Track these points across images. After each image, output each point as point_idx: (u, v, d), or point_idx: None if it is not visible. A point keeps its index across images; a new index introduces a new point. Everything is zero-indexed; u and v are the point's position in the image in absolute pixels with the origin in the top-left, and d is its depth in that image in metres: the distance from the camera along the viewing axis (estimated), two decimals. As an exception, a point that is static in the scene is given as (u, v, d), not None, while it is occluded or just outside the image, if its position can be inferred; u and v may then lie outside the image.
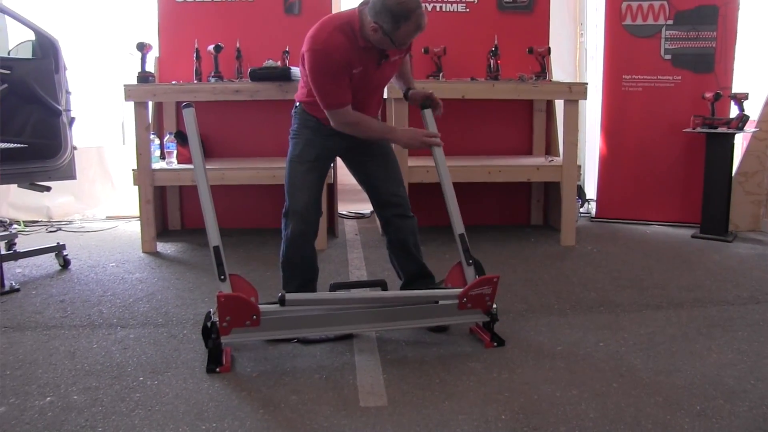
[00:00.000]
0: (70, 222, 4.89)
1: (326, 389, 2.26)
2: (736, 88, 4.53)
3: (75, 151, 3.58)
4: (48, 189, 3.60)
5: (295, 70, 3.91)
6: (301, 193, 2.60)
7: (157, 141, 4.06)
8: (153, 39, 4.29)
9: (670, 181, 4.73)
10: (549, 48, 4.35)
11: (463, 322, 2.68)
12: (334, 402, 2.17)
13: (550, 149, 4.76)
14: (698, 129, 4.35)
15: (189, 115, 2.47)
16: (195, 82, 4.05)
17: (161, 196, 4.50)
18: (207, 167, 3.91)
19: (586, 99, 4.17)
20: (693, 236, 4.44)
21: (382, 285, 2.61)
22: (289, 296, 2.36)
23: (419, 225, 2.85)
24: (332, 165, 3.61)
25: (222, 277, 2.40)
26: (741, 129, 4.23)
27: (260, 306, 2.37)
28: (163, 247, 4.12)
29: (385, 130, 2.77)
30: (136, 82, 3.87)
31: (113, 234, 4.52)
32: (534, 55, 4.32)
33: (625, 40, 4.69)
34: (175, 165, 4.02)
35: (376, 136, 2.67)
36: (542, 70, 4.32)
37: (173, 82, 4.07)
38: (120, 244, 4.22)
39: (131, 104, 3.88)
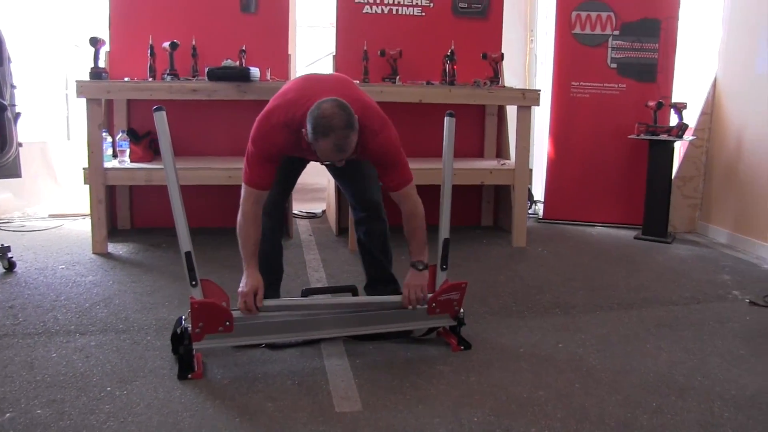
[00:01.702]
0: (10, 221, 4.69)
1: (300, 395, 2.27)
2: (676, 97, 4.77)
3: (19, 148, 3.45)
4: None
5: (254, 71, 3.88)
6: (270, 192, 2.58)
7: (109, 139, 3.94)
8: (101, 32, 4.15)
9: (614, 184, 4.94)
10: (502, 54, 4.46)
11: (432, 327, 2.74)
12: (309, 408, 2.18)
13: (501, 152, 4.88)
14: (642, 136, 4.55)
15: (160, 119, 2.42)
16: (150, 79, 3.95)
17: (110, 195, 4.37)
18: (161, 167, 3.89)
19: (539, 105, 4.30)
20: (636, 237, 4.65)
21: (353, 290, 2.63)
22: (267, 302, 2.37)
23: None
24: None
25: (193, 282, 2.38)
26: (680, 137, 4.46)
27: (233, 311, 2.36)
28: (114, 247, 4.00)
29: (244, 257, 2.48)
30: (88, 78, 3.74)
31: (59, 234, 4.36)
32: (488, 60, 4.41)
33: (574, 48, 4.86)
34: (127, 164, 3.92)
35: (240, 247, 2.49)
36: (495, 75, 4.41)
37: (125, 79, 3.96)
38: (68, 244, 4.08)
39: (77, 99, 3.76)
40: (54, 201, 4.92)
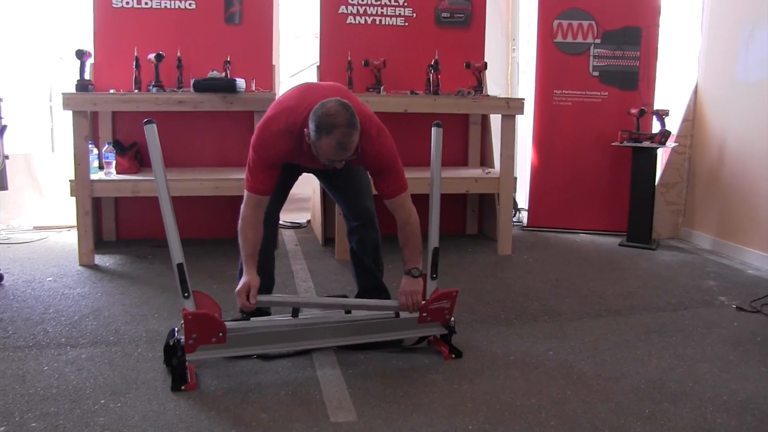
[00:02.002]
0: (-7, 233, 4.64)
1: (294, 405, 2.27)
2: (657, 104, 4.84)
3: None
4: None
5: (240, 82, 3.88)
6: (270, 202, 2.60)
7: (95, 151, 3.92)
8: (86, 44, 4.12)
9: (597, 191, 5.00)
10: (486, 63, 4.50)
11: (423, 335, 2.75)
12: (304, 418, 2.18)
13: (485, 161, 4.92)
14: (625, 143, 4.61)
15: (151, 132, 2.41)
16: (135, 91, 3.94)
17: (95, 207, 4.34)
18: (147, 178, 3.89)
19: (522, 114, 4.35)
20: (620, 244, 4.70)
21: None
22: (261, 297, 2.44)
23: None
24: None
25: (186, 294, 2.37)
26: (663, 144, 4.53)
27: (226, 323, 2.36)
28: (100, 259, 3.98)
29: (245, 259, 2.52)
30: (74, 90, 3.72)
31: (45, 246, 4.32)
32: (471, 69, 4.45)
33: (556, 57, 4.92)
34: (114, 176, 3.90)
35: (240, 249, 2.54)
36: (479, 84, 4.45)
37: (111, 91, 3.95)
38: (54, 256, 4.04)
39: (61, 111, 3.74)
40: (38, 213, 4.87)
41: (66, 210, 4.73)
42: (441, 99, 4.21)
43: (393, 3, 4.61)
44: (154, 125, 2.45)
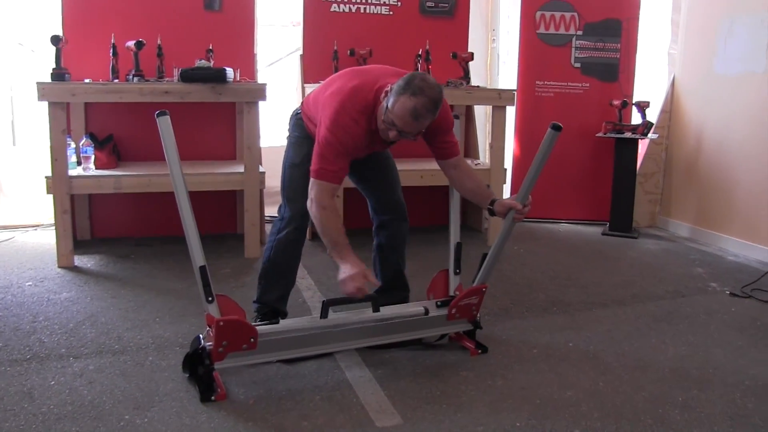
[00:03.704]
0: (-50, 235, 4.30)
1: (334, 411, 2.17)
2: (636, 96, 4.91)
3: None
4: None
5: (230, 71, 3.70)
6: (302, 199, 2.43)
7: (72, 145, 3.67)
8: (51, 30, 3.82)
9: (578, 181, 5.04)
10: (472, 54, 4.45)
11: (451, 332, 2.69)
12: (348, 425, 2.09)
13: (470, 152, 4.88)
14: (609, 134, 4.66)
15: (164, 124, 2.25)
16: (115, 81, 3.71)
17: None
18: (129, 173, 3.67)
19: (513, 105, 4.33)
20: (603, 233, 4.75)
21: (374, 300, 2.52)
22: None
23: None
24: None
25: (210, 298, 2.22)
26: (646, 135, 4.60)
27: (258, 327, 2.23)
28: (80, 260, 3.72)
29: (336, 246, 2.35)
30: (49, 80, 3.46)
31: (13, 247, 4.02)
32: (458, 60, 4.40)
33: (538, 48, 4.92)
34: (93, 171, 3.66)
35: (325, 239, 2.37)
36: (466, 74, 4.41)
37: (87, 81, 3.70)
38: (27, 258, 3.75)
39: (22, 102, 3.48)
40: (0, 212, 4.54)
41: (31, 208, 4.45)
42: (433, 90, 4.13)
43: (378, -9, 4.51)
44: (168, 117, 2.28)
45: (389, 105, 2.24)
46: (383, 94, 2.30)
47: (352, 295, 2.28)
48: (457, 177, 2.59)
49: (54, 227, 3.62)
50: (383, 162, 2.73)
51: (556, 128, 2.35)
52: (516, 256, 4.17)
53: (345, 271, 2.29)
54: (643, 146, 4.92)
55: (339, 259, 2.33)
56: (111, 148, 3.87)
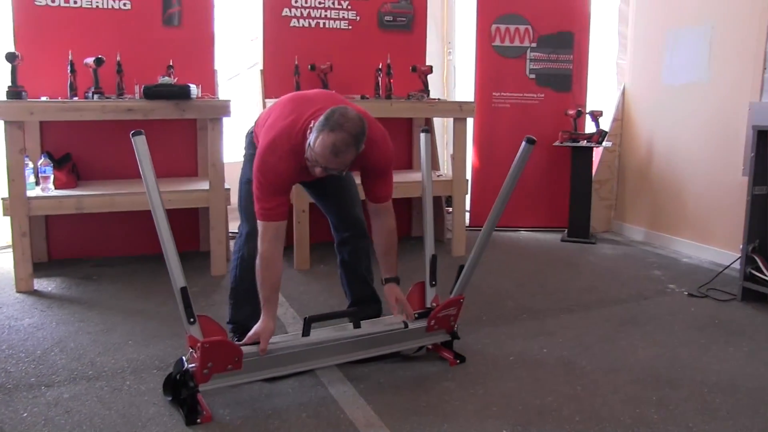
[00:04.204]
0: None
1: (322, 428, 2.16)
2: (589, 106, 5.08)
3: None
4: None
5: (194, 88, 3.66)
6: None
7: (31, 165, 3.55)
8: (2, 47, 3.72)
9: (535, 189, 5.15)
10: (431, 67, 4.52)
11: (430, 343, 2.71)
12: (339, 440, 2.09)
13: (431, 163, 4.93)
14: (565, 143, 4.79)
15: (141, 144, 2.21)
16: (75, 99, 3.61)
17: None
18: (90, 193, 3.58)
19: (473, 117, 4.41)
20: (562, 240, 4.88)
21: (355, 314, 2.54)
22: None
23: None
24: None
25: (191, 319, 2.19)
26: (601, 143, 4.75)
27: (243, 347, 2.21)
28: (39, 284, 3.60)
29: (263, 297, 2.35)
30: (5, 98, 3.35)
31: (-38, 272, 3.86)
32: (418, 73, 4.46)
33: (494, 60, 5.03)
34: (52, 191, 3.56)
35: (260, 290, 2.37)
36: (425, 87, 4.47)
37: (43, 98, 3.60)
38: (-19, 284, 3.62)
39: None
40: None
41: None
42: (398, 103, 4.19)
43: (337, 6, 4.53)
44: (143, 136, 2.25)
45: (311, 142, 2.26)
46: (309, 131, 2.30)
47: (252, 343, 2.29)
48: (373, 226, 2.63)
49: (11, 250, 3.49)
50: (341, 179, 2.75)
51: (531, 141, 2.42)
52: (481, 264, 4.18)
53: (259, 324, 2.32)
54: (597, 154, 5.07)
55: (263, 310, 2.34)
56: (70, 168, 3.77)
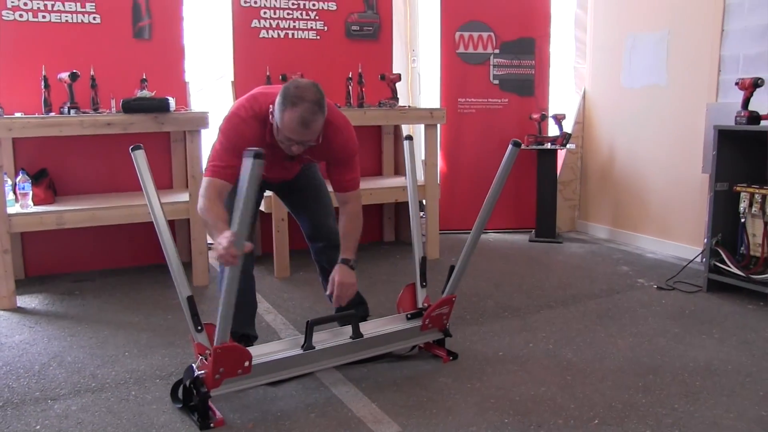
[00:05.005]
0: None
1: (333, 426, 2.23)
2: (552, 109, 5.27)
3: None
4: None
5: (172, 101, 3.69)
6: None
7: (10, 182, 3.51)
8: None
9: (504, 192, 5.26)
10: (399, 75, 4.64)
11: (423, 342, 2.81)
12: (351, 438, 2.17)
13: (399, 170, 5.06)
14: (531, 146, 4.97)
15: (140, 158, 2.26)
16: (51, 114, 3.59)
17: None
18: (71, 208, 3.57)
19: (444, 122, 4.55)
20: (530, 240, 5.06)
21: (355, 317, 2.62)
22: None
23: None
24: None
25: (199, 327, 2.24)
26: (565, 145, 4.95)
27: (252, 351, 2.27)
28: (22, 301, 3.56)
29: (216, 229, 2.21)
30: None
31: (-61, 293, 3.77)
32: (386, 81, 4.57)
33: (459, 67, 5.19)
34: (32, 208, 3.52)
35: (207, 228, 2.36)
36: (394, 95, 4.59)
37: (17, 114, 3.57)
38: (-39, 304, 3.55)
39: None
40: None
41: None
42: (371, 111, 4.29)
43: (305, 17, 4.61)
44: (143, 150, 2.31)
45: (278, 123, 2.33)
46: (270, 116, 2.38)
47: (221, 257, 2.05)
48: (340, 211, 2.72)
49: (-9, 268, 3.45)
50: (314, 189, 2.82)
51: (517, 145, 2.55)
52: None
53: (218, 239, 2.10)
54: (560, 155, 5.28)
55: (218, 234, 2.15)
56: (47, 183, 3.74)
